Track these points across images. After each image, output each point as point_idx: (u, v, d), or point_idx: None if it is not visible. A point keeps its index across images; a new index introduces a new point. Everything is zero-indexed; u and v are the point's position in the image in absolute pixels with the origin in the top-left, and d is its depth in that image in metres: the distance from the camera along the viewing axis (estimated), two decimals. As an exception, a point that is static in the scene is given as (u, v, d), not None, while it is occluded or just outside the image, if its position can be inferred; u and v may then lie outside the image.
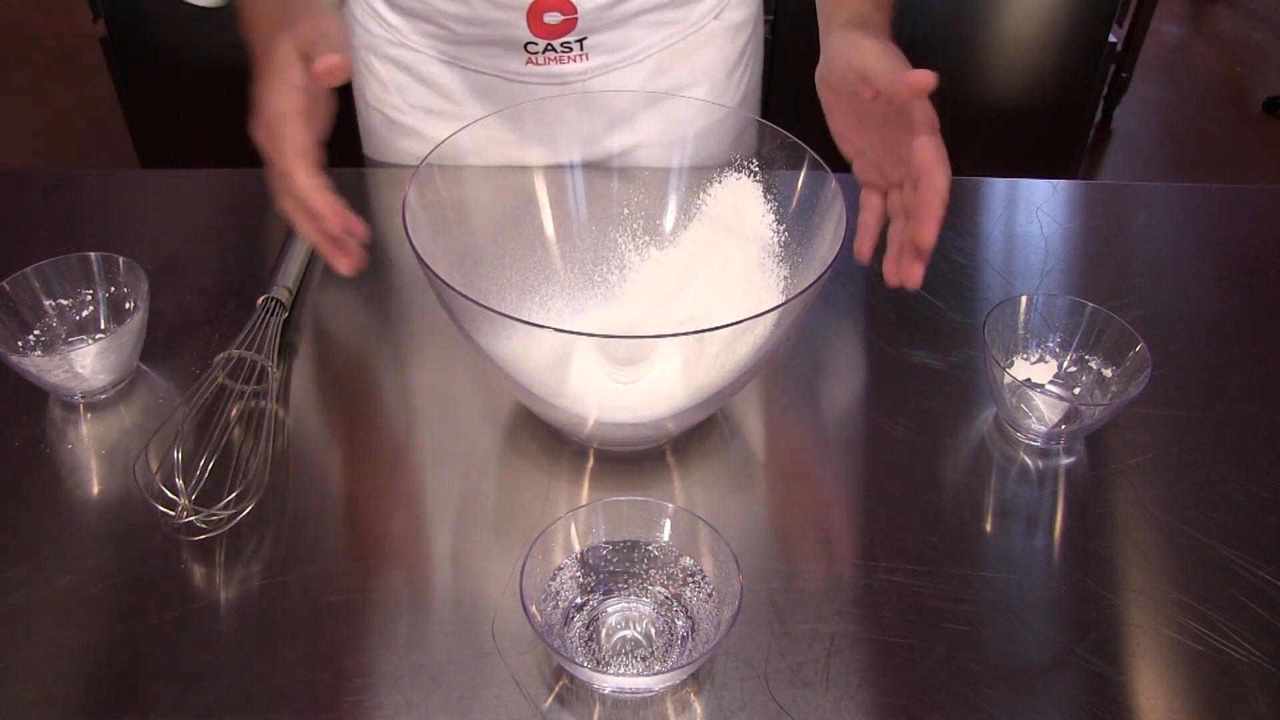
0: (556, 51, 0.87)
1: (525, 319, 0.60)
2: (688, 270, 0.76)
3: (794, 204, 0.72)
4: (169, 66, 1.70)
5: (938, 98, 0.66)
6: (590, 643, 0.58)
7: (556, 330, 0.57)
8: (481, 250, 0.74)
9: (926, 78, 0.59)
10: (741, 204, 0.75)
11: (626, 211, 0.78)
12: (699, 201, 0.76)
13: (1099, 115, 2.71)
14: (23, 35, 2.90)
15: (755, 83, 1.03)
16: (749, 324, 0.57)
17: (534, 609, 0.55)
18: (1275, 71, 3.02)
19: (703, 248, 0.76)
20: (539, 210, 0.77)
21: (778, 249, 0.73)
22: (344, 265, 0.64)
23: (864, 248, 0.66)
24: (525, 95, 0.91)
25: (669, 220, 0.78)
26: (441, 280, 0.58)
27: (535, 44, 0.86)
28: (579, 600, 0.59)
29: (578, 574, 0.59)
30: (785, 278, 0.72)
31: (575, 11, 0.84)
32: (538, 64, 0.88)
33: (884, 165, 0.67)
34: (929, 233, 0.59)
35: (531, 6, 0.83)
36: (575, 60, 0.88)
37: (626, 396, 0.64)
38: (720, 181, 0.75)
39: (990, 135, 1.78)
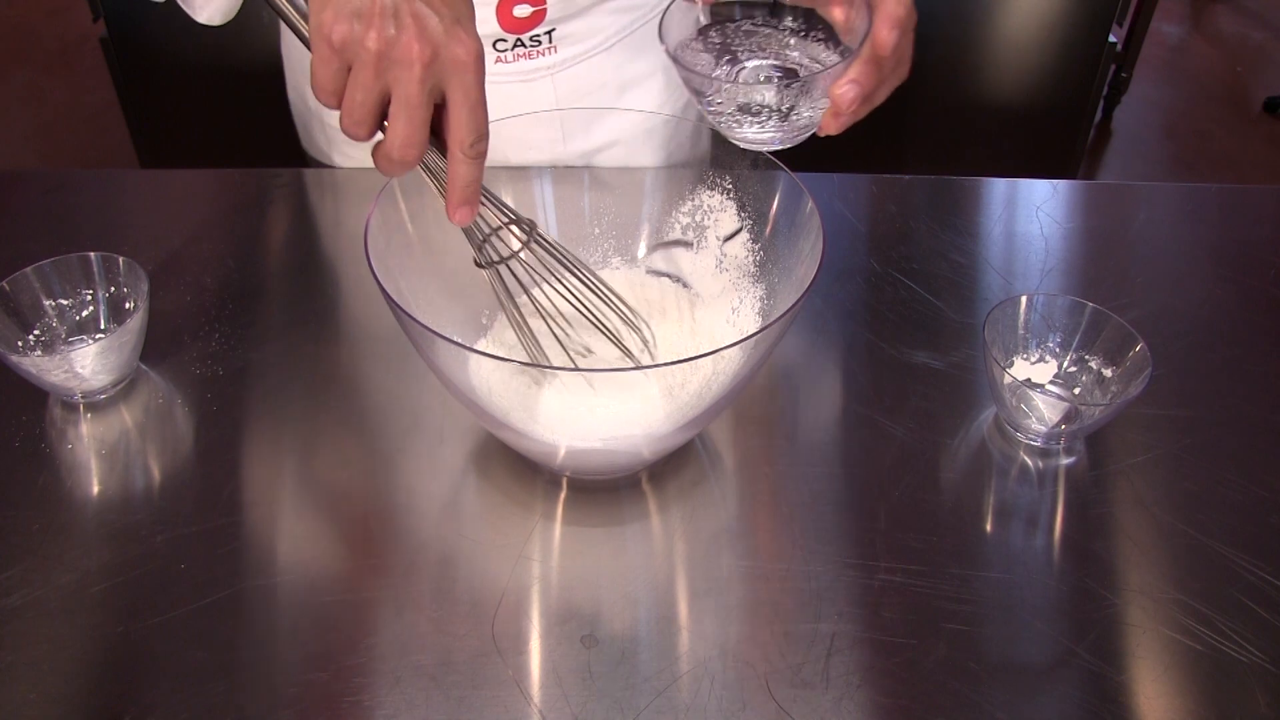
0: (525, 47, 0.87)
1: (482, 349, 0.59)
2: (661, 294, 0.76)
3: (769, 226, 0.71)
4: (169, 66, 1.69)
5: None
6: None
7: (521, 364, 0.56)
8: (448, 273, 0.71)
9: (883, 38, 0.59)
10: (716, 222, 0.75)
11: (598, 231, 0.78)
12: (671, 220, 0.76)
13: (1099, 115, 2.71)
14: (23, 35, 2.90)
15: None
16: (724, 351, 0.56)
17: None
18: (1275, 71, 3.02)
19: (674, 269, 0.76)
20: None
21: (753, 268, 0.73)
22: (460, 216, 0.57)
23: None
24: (494, 95, 0.90)
25: (641, 244, 0.77)
26: (403, 310, 0.57)
27: (505, 40, 0.86)
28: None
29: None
30: (761, 298, 0.72)
31: (544, 1, 0.84)
32: (507, 61, 0.87)
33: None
34: (831, 121, 0.61)
35: (501, 2, 0.83)
36: (544, 54, 0.88)
37: (598, 425, 0.63)
38: (693, 199, 0.75)
39: (990, 135, 1.78)
